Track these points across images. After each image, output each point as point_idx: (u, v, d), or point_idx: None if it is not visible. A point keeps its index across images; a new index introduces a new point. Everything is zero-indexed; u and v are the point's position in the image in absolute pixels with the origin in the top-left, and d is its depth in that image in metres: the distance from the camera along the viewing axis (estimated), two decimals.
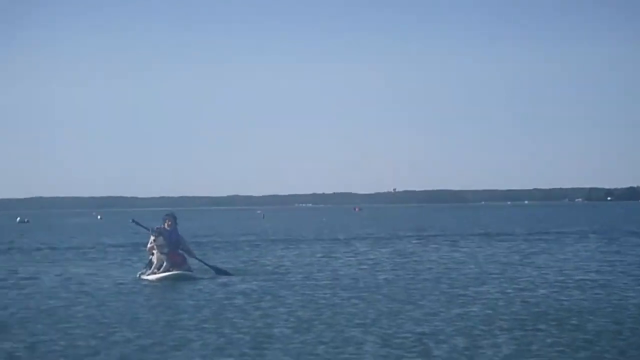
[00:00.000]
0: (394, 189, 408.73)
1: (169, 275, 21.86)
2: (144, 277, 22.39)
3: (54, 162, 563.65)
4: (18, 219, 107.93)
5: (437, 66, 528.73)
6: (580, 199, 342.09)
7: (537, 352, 11.93)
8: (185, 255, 22.87)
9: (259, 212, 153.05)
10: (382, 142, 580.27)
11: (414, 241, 40.94)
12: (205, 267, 23.60)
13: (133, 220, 25.08)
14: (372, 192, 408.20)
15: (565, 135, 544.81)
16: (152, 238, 22.52)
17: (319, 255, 31.71)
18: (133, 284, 21.48)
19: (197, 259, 23.69)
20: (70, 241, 47.47)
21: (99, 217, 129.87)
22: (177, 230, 22.94)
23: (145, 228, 23.60)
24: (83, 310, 16.57)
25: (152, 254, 22.71)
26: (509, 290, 18.77)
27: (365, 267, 25.83)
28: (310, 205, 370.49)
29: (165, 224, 22.82)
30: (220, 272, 23.35)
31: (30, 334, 13.79)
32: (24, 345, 12.91)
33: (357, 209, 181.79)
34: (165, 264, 22.18)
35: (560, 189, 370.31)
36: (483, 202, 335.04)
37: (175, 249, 22.55)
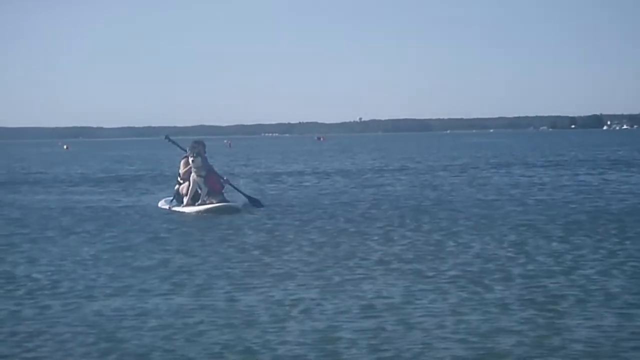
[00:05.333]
0: (360, 118, 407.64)
1: (211, 207, 20.02)
2: (176, 208, 20.73)
3: (15, 92, 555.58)
4: None
5: None
6: (544, 127, 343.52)
7: None
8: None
9: (225, 141, 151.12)
10: (348, 71, 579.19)
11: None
12: (240, 195, 21.59)
13: (167, 137, 23.63)
14: (338, 121, 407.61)
15: (531, 64, 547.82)
16: (190, 159, 20.85)
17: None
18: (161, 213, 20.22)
19: (232, 186, 21.73)
20: (52, 171, 46.04)
21: (65, 147, 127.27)
22: (207, 159, 21.33)
23: (181, 148, 22.18)
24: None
25: (179, 183, 21.46)
26: None
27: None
28: (276, 134, 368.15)
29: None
30: (254, 201, 21.50)
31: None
32: None
33: (321, 139, 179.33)
34: (203, 187, 20.51)
35: (526, 117, 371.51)
36: (448, 131, 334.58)
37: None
